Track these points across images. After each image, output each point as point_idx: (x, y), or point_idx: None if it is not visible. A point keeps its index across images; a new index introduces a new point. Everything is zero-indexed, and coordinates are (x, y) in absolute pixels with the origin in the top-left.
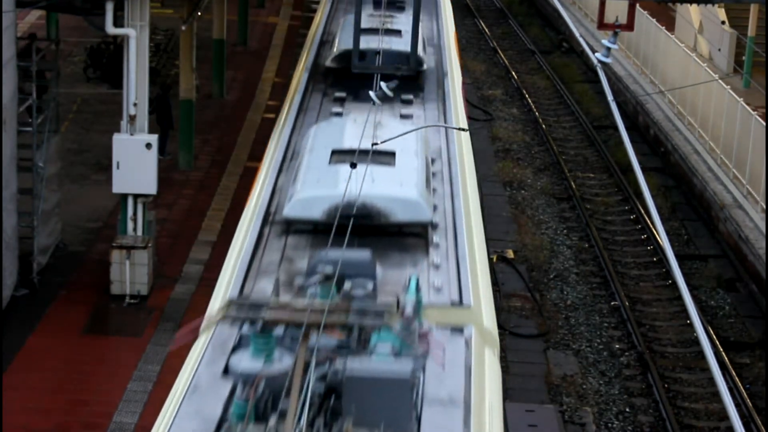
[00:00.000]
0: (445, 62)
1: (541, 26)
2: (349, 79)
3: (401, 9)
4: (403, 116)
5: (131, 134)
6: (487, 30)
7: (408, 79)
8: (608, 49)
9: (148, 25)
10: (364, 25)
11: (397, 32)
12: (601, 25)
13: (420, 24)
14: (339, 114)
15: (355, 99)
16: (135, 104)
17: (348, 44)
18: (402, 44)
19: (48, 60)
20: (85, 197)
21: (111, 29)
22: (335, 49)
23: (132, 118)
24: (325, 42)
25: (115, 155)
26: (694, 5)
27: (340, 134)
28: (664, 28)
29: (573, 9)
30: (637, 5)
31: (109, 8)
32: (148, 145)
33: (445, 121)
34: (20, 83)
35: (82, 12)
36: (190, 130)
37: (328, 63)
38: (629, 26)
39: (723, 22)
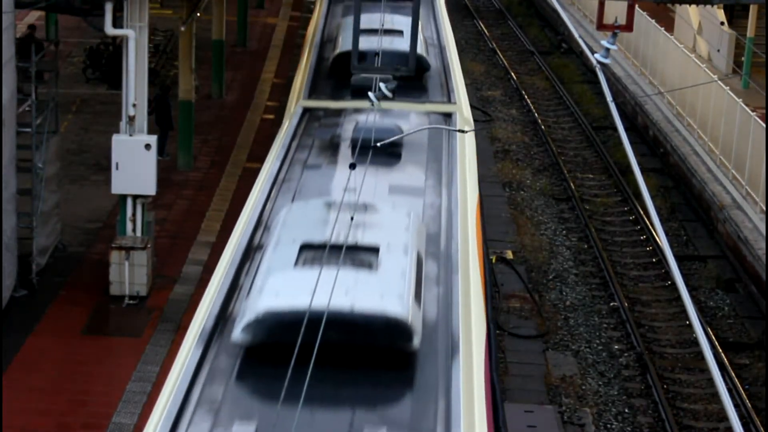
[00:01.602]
0: (456, 319)
1: (541, 27)
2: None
3: (396, 156)
4: None
5: (130, 135)
6: (486, 31)
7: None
8: (607, 49)
9: (147, 26)
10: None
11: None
12: (600, 25)
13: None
14: None
15: None
16: (134, 105)
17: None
18: (375, 302)
19: (47, 60)
20: (85, 198)
21: (110, 30)
22: (250, 317)
23: (131, 119)
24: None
25: (115, 156)
26: (693, 6)
27: None
28: (663, 28)
29: (572, 10)
30: (636, 6)
31: (108, 9)
32: (147, 146)
33: None
34: (19, 83)
35: (81, 13)
36: (189, 131)
37: (237, 338)
38: (628, 27)
39: (722, 23)
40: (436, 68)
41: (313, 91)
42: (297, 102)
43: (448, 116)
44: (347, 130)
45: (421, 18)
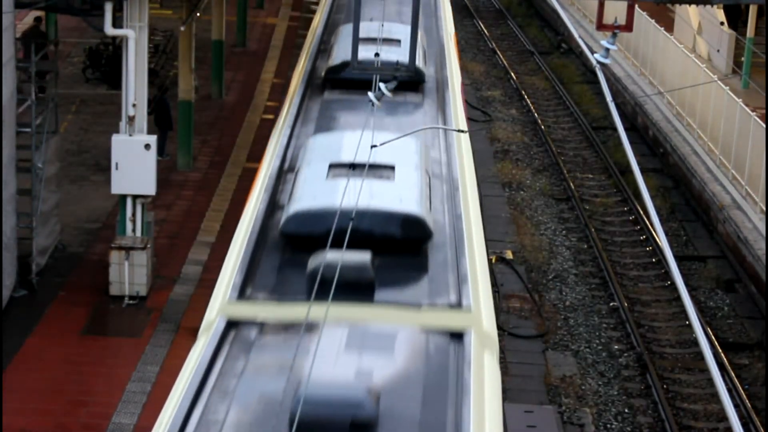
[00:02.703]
0: None
1: (540, 27)
2: None
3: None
4: None
5: (130, 135)
6: (486, 31)
7: None
8: (607, 49)
9: (147, 26)
10: None
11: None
12: (600, 25)
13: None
14: None
15: None
16: (134, 105)
17: None
18: None
19: (47, 60)
20: (84, 198)
21: (110, 30)
22: None
23: (131, 119)
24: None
25: (114, 156)
26: (693, 6)
27: None
28: (663, 28)
29: (572, 10)
30: (636, 6)
31: (108, 9)
32: (147, 146)
33: None
34: (19, 84)
35: (81, 13)
36: (188, 131)
37: None
38: (628, 27)
39: (722, 23)
40: (445, 231)
41: (247, 283)
42: (220, 306)
43: (457, 337)
44: (287, 380)
45: (425, 142)
